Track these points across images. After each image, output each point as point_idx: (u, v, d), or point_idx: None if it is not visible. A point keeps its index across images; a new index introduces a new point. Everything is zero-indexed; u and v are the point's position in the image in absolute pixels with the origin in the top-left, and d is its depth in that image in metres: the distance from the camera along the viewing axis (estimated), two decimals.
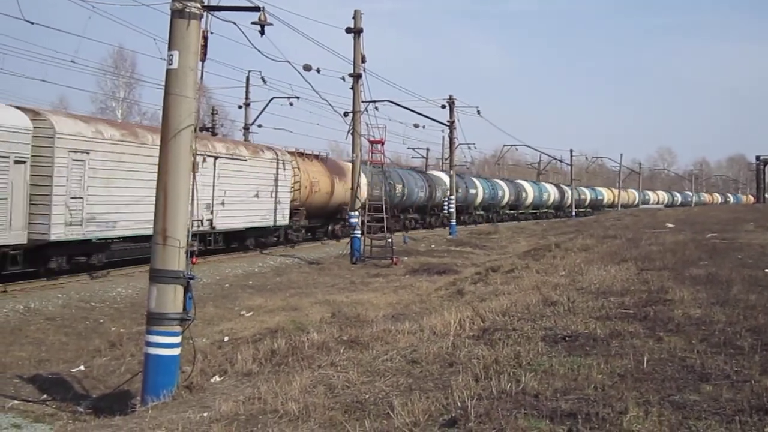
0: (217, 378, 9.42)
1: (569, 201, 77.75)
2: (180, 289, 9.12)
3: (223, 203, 24.71)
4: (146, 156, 19.74)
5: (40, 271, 18.53)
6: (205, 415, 6.62)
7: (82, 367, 11.59)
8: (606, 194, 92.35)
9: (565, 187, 78.68)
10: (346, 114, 28.49)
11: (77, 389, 10.57)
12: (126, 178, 19.95)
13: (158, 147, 9.39)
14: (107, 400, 10.00)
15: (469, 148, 56.44)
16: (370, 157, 30.75)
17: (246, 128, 42.14)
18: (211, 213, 24.20)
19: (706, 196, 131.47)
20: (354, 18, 27.36)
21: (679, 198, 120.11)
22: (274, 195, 28.16)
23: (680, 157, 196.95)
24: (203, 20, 9.34)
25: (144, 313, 9.61)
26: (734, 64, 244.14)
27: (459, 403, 5.49)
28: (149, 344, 9.10)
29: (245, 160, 26.40)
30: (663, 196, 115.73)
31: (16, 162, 16.93)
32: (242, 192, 25.87)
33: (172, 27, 9.24)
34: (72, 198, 18.23)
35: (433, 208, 47.72)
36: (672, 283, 10.97)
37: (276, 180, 28.27)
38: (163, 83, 9.36)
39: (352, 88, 27.76)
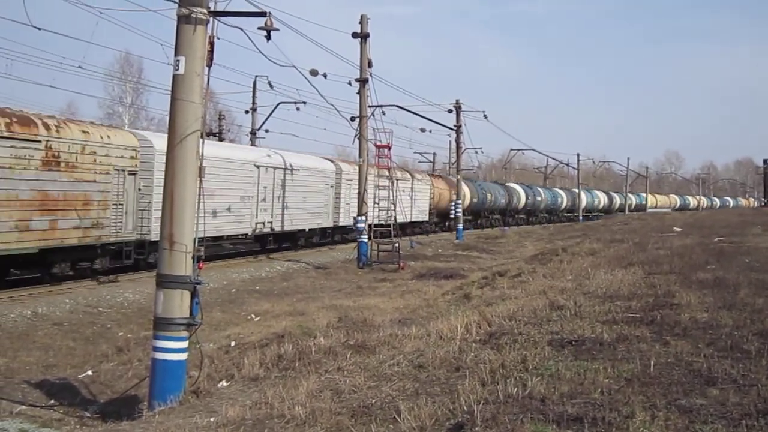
0: (224, 383, 9.43)
1: (617, 206, 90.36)
2: (187, 294, 9.13)
3: (402, 207, 37.70)
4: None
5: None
6: (212, 419, 6.63)
7: (89, 372, 11.60)
8: (649, 199, 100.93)
9: (613, 194, 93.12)
10: (352, 119, 28.47)
11: (84, 394, 10.59)
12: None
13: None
14: (114, 405, 10.02)
15: (476, 152, 56.44)
16: (377, 161, 30.81)
17: (253, 133, 42.18)
18: (395, 212, 37.97)
19: (742, 201, 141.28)
20: (360, 23, 27.37)
21: (717, 202, 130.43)
22: (420, 202, 44.97)
23: (688, 161, 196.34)
24: (209, 25, 9.35)
25: (151, 318, 9.63)
26: (742, 67, 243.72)
27: (465, 408, 5.49)
28: (156, 349, 9.12)
29: (410, 181, 42.93)
30: (703, 200, 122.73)
31: (330, 186, 33.31)
32: (410, 200, 42.04)
33: (179, 32, 9.26)
34: (346, 204, 34.87)
35: (510, 212, 62.55)
36: (679, 287, 10.93)
37: (422, 192, 45.09)
38: (170, 88, 9.40)
39: (358, 92, 27.77)
